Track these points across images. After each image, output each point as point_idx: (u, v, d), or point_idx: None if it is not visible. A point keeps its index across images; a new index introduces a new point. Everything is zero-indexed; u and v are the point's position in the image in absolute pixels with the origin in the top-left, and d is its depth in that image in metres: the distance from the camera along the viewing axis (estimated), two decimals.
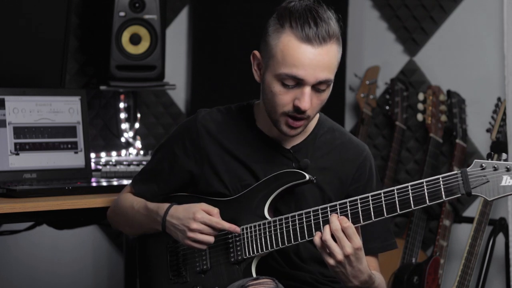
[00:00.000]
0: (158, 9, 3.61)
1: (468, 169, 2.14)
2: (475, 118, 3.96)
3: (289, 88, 2.26)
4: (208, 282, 2.38)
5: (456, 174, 2.14)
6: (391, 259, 3.82)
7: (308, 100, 2.25)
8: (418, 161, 4.09)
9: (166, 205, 2.40)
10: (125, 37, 3.58)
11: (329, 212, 2.24)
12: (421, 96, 4.01)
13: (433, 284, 3.74)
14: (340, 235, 2.18)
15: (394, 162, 4.02)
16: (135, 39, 3.60)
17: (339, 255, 2.18)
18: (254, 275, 2.33)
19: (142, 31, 3.61)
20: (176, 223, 2.35)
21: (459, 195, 2.14)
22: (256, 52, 2.35)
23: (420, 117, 4.01)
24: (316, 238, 2.21)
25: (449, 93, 3.97)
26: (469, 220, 3.79)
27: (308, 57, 2.23)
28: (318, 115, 2.45)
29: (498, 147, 3.62)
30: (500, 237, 3.75)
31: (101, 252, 3.98)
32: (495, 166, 2.12)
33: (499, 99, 3.77)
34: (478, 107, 3.95)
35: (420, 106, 4.00)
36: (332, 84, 2.30)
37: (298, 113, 2.27)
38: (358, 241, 2.18)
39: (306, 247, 2.40)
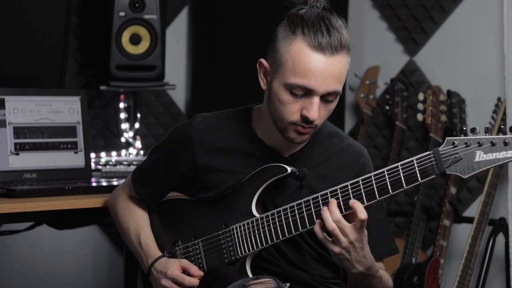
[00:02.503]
0: (158, 9, 3.61)
1: (440, 148, 2.11)
2: (475, 118, 3.96)
3: (297, 98, 2.23)
4: (206, 284, 2.38)
5: (429, 154, 2.12)
6: (391, 259, 3.80)
7: (317, 110, 2.22)
8: None
9: (157, 253, 2.43)
10: (125, 37, 3.59)
11: (312, 205, 2.24)
12: (421, 96, 4.01)
13: (433, 284, 3.74)
14: (342, 225, 2.18)
15: (394, 162, 4.00)
16: (135, 39, 3.60)
17: (344, 243, 2.18)
18: (249, 273, 2.33)
19: (142, 31, 3.61)
20: (154, 275, 2.39)
21: (434, 176, 2.12)
22: (263, 61, 2.31)
23: (420, 117, 4.01)
24: (317, 228, 2.21)
25: (449, 93, 3.97)
26: (469, 220, 3.79)
27: (320, 67, 2.20)
28: None
29: None
30: (500, 237, 3.75)
31: (101, 252, 3.98)
32: (467, 142, 2.09)
33: (499, 99, 3.77)
34: (478, 107, 3.95)
35: (420, 106, 4.00)
36: (339, 96, 2.28)
37: (306, 123, 2.25)
38: (364, 230, 2.19)
39: (305, 247, 2.40)
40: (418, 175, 2.13)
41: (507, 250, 3.71)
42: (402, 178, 2.14)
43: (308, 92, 2.22)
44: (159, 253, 2.43)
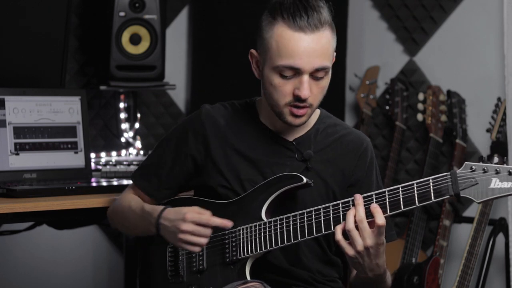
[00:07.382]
0: (158, 9, 3.61)
1: (458, 170, 2.15)
2: (475, 118, 3.96)
3: (287, 79, 2.30)
4: (203, 282, 2.39)
5: (446, 175, 2.16)
6: (391, 259, 3.82)
7: (307, 88, 2.28)
8: (418, 161, 4.09)
9: (160, 207, 2.41)
10: (125, 37, 3.59)
11: (313, 214, 2.27)
12: (421, 96, 4.01)
13: (433, 284, 3.74)
14: (363, 226, 2.19)
15: (394, 162, 4.03)
16: (135, 39, 3.60)
17: (360, 246, 2.19)
18: (247, 276, 2.34)
19: (142, 31, 3.61)
20: (168, 225, 2.36)
21: (448, 196, 2.15)
22: (253, 51, 2.39)
23: (420, 117, 4.01)
24: (337, 229, 2.22)
25: (449, 93, 3.97)
26: (469, 220, 3.80)
27: (303, 45, 2.27)
28: (319, 111, 2.48)
29: (498, 147, 3.62)
30: (500, 237, 3.75)
31: (101, 252, 3.98)
32: (485, 168, 2.13)
33: (499, 99, 3.77)
34: (478, 107, 3.95)
35: (420, 106, 4.00)
36: (330, 72, 2.33)
37: (299, 102, 2.30)
38: (381, 237, 2.20)
39: (308, 245, 2.41)
40: (432, 194, 2.16)
41: (507, 250, 3.71)
42: (416, 195, 2.18)
43: (296, 72, 2.29)
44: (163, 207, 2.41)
